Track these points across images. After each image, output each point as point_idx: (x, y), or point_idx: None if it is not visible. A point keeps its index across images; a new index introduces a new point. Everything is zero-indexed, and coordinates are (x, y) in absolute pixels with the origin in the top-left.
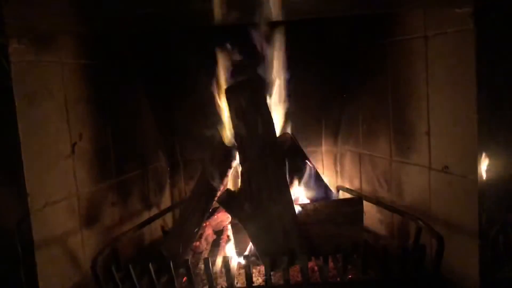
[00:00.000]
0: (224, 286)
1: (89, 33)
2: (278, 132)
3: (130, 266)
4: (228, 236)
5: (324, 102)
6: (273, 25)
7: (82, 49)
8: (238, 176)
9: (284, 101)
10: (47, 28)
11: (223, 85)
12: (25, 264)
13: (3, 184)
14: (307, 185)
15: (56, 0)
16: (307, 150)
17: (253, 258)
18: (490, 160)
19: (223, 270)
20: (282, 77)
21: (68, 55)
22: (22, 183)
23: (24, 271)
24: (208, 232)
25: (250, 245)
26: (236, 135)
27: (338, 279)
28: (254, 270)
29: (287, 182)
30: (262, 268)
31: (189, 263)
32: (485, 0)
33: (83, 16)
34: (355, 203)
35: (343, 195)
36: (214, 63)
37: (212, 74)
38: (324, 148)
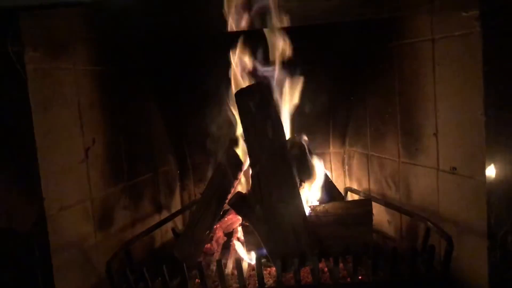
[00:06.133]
0: None
1: (102, 40)
2: (287, 134)
3: (144, 268)
4: (238, 238)
5: (332, 104)
6: (281, 30)
7: (96, 56)
8: (248, 179)
9: (293, 104)
10: (62, 36)
11: (233, 89)
12: (42, 267)
13: (20, 189)
14: (316, 187)
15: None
16: (315, 152)
17: (264, 260)
18: (498, 160)
19: (234, 271)
20: (291, 80)
21: (82, 62)
22: (38, 187)
23: (41, 274)
24: (219, 234)
25: (261, 247)
26: (246, 138)
27: (348, 280)
28: (264, 272)
29: (297, 184)
30: (273, 269)
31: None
32: (491, 3)
33: (98, 25)
34: (364, 204)
35: (351, 196)
36: (224, 69)
37: (221, 78)
38: (332, 150)
